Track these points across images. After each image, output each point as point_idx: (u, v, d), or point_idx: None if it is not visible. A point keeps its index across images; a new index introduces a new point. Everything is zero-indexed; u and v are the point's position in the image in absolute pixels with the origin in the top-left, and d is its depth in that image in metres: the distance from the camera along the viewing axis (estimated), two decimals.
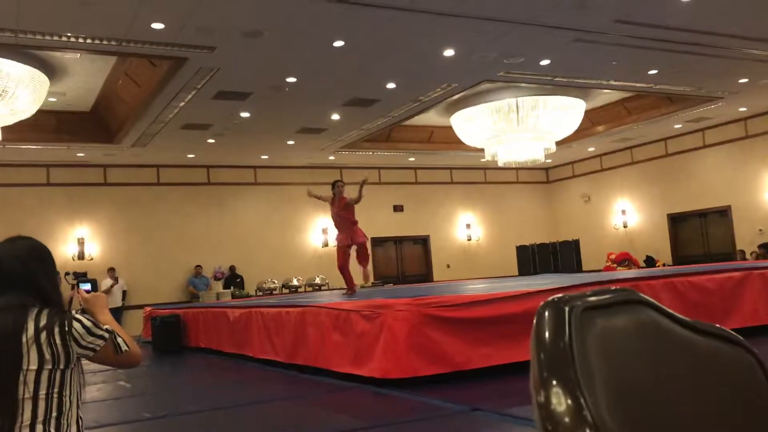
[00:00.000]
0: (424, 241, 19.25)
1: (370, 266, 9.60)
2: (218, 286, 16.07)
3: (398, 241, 18.88)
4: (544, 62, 10.83)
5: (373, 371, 4.18)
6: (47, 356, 2.07)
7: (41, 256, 2.28)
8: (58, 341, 2.09)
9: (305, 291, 16.16)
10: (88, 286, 2.44)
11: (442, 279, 18.46)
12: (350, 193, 9.27)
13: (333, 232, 16.91)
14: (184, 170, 16.37)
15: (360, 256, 9.27)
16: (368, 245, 9.38)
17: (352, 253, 9.11)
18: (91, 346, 2.15)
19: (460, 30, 9.17)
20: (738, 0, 8.74)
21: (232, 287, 15.96)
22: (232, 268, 16.38)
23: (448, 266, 19.01)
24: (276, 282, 16.32)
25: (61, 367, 2.10)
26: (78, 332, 2.12)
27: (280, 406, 3.91)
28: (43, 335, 2.08)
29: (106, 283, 14.77)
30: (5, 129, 10.68)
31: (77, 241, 15.29)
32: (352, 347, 4.47)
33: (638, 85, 12.71)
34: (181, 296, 15.93)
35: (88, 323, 2.15)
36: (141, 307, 14.12)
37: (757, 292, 5.40)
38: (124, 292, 15.18)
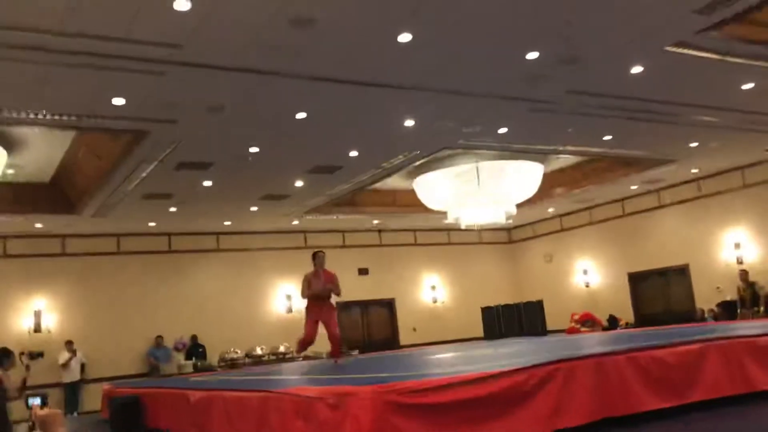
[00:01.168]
0: (389, 305, 19.17)
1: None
2: (180, 357, 15.70)
3: (364, 305, 18.76)
4: (502, 130, 11.10)
5: None
6: None
7: None
8: None
9: (269, 360, 15.87)
10: (38, 401, 2.37)
11: (409, 343, 18.33)
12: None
13: (297, 298, 16.75)
14: (145, 239, 16.16)
15: (334, 347, 9.08)
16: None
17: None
18: None
19: (419, 102, 9.39)
20: (684, 72, 9.11)
21: (194, 358, 15.60)
22: (193, 338, 16.06)
23: (414, 330, 18.90)
24: (239, 352, 16.01)
25: None
26: None
27: None
28: None
29: (63, 356, 14.35)
30: None
31: (34, 313, 14.85)
32: None
33: (593, 149, 13.08)
34: (141, 368, 15.52)
35: None
36: (100, 380, 13.69)
37: (717, 363, 5.47)
38: (83, 365, 14.73)
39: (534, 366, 4.65)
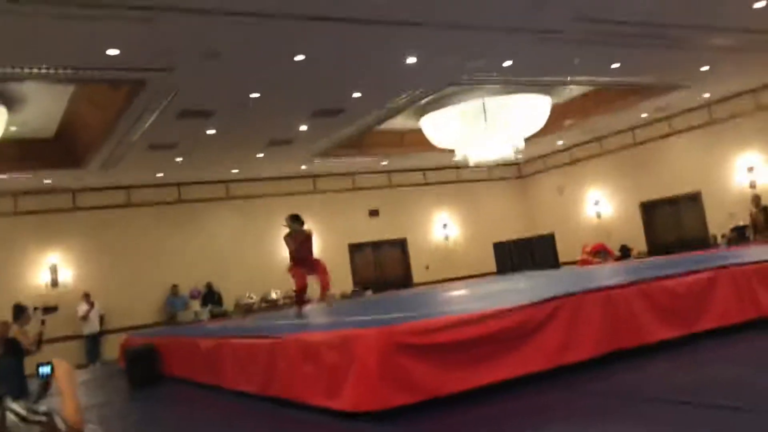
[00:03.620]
0: (401, 244, 19.21)
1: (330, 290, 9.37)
2: (196, 305, 15.90)
3: (376, 245, 18.82)
4: (507, 63, 10.85)
5: (345, 404, 4.13)
6: None
7: None
8: None
9: (284, 303, 16.04)
10: (47, 369, 2.40)
11: (422, 281, 18.45)
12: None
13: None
14: (154, 189, 16.17)
15: (323, 282, 8.99)
16: (331, 266, 9.14)
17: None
18: None
19: (420, 38, 9.16)
20: None
21: (209, 305, 15.79)
22: (208, 285, 16.21)
23: (427, 268, 18.99)
24: (254, 297, 16.18)
25: None
26: (13, 422, 2.07)
27: None
28: None
29: (82, 309, 14.56)
30: None
31: (49, 268, 15.03)
32: (323, 379, 4.40)
33: (601, 79, 12.79)
34: (158, 317, 15.75)
35: (22, 412, 2.10)
36: (120, 330, 13.94)
37: (727, 291, 5.41)
38: (102, 317, 14.96)
39: (539, 302, 4.62)
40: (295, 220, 8.81)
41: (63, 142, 13.04)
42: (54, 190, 14.98)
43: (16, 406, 2.11)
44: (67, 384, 2.34)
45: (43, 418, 2.13)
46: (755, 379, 3.85)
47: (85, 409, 5.81)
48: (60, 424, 2.16)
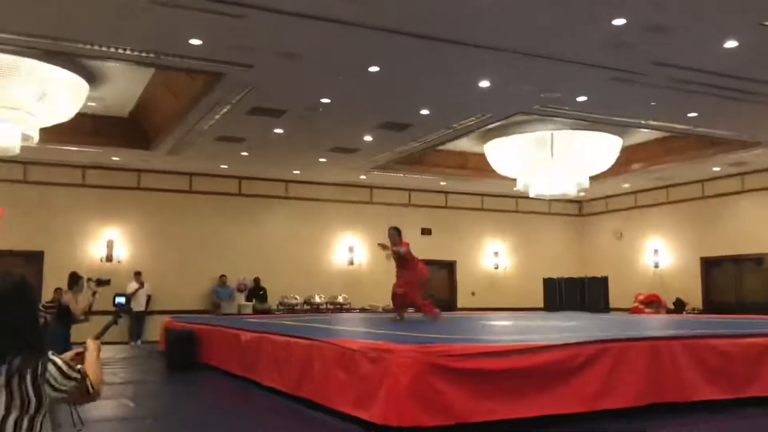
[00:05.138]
0: (450, 266, 19.09)
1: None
2: (241, 298, 16.12)
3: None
4: (581, 98, 10.70)
5: (373, 416, 4.10)
6: (17, 401, 2.06)
7: (21, 296, 2.25)
8: (29, 385, 2.08)
9: (327, 309, 16.12)
10: (122, 300, 2.52)
11: (466, 306, 18.27)
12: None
13: (359, 251, 17.13)
14: (216, 180, 16.51)
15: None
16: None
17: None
18: (64, 388, 2.17)
19: (497, 62, 9.11)
20: None
21: (254, 300, 15.99)
22: (256, 280, 16.42)
23: (473, 294, 18.81)
24: (298, 298, 16.31)
25: (31, 412, 2.09)
26: (52, 375, 2.13)
27: None
28: (15, 380, 2.07)
29: (131, 286, 14.92)
30: (44, 130, 10.91)
31: (106, 243, 15.47)
32: (355, 388, 4.39)
33: (677, 126, 12.49)
34: (204, 304, 16.02)
35: (63, 366, 2.17)
36: (164, 312, 14.21)
37: None
38: (149, 297, 15.30)
39: (583, 343, 4.51)
40: (395, 233, 9.83)
41: (135, 123, 13.46)
42: (121, 167, 15.45)
43: (57, 360, 2.18)
44: (93, 355, 2.45)
45: (78, 376, 2.20)
46: None
47: (121, 385, 5.96)
48: (90, 387, 2.24)
